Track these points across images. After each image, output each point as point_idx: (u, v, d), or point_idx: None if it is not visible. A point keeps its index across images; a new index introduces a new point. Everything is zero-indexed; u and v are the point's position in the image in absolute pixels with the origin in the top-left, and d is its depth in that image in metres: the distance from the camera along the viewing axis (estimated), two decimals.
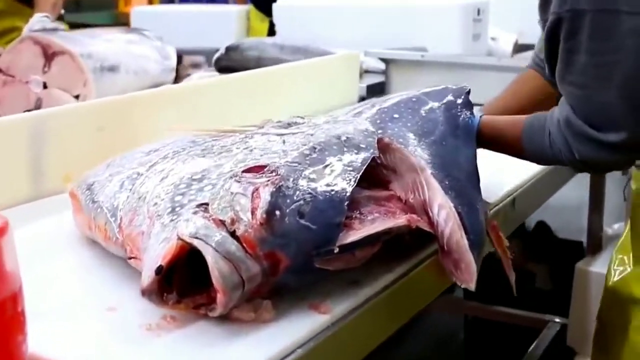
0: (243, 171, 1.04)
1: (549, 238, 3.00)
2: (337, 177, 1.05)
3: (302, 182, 1.02)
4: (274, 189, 0.99)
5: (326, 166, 1.07)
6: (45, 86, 2.12)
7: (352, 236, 1.01)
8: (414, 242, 1.15)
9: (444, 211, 1.09)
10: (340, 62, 2.50)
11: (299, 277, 1.00)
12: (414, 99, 1.37)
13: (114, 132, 1.65)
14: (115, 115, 1.67)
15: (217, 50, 4.01)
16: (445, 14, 2.99)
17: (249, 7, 4.62)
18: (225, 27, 4.67)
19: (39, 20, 2.49)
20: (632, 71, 1.10)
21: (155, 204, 1.06)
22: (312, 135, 1.16)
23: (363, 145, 1.14)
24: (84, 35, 2.29)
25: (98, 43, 2.24)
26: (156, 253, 0.96)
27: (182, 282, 0.97)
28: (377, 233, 1.04)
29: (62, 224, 1.32)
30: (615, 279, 1.54)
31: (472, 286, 1.06)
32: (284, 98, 2.25)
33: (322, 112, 2.35)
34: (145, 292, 0.93)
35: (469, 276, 1.06)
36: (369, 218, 1.07)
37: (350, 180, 1.05)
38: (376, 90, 2.71)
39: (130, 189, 1.14)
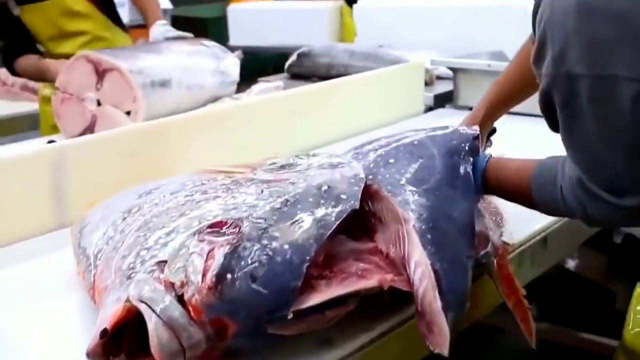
0: (207, 227, 1.01)
1: (638, 254, 2.82)
2: (302, 236, 1.00)
3: (263, 242, 0.98)
4: (229, 250, 0.96)
5: (294, 222, 1.02)
6: (99, 103, 2.16)
7: (311, 301, 0.96)
8: (395, 300, 1.08)
9: (420, 268, 1.03)
10: (404, 73, 2.43)
11: (251, 341, 0.96)
12: (415, 143, 1.31)
13: (142, 158, 1.66)
14: (144, 142, 1.67)
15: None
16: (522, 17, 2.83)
17: (341, 3, 4.58)
18: (320, 24, 4.68)
19: (164, 28, 2.58)
20: (635, 137, 1.00)
21: (123, 256, 1.05)
22: (293, 184, 1.11)
23: (344, 197, 1.08)
24: (140, 49, 2.31)
25: (151, 57, 2.25)
26: (106, 314, 0.95)
27: (133, 342, 0.95)
28: (345, 295, 0.99)
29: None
30: None
31: (445, 352, 0.99)
32: (345, 112, 2.21)
33: (386, 124, 2.31)
34: (90, 355, 0.93)
35: (441, 340, 0.99)
36: (339, 277, 1.02)
37: (317, 239, 1.00)
38: (444, 99, 2.62)
39: (111, 238, 1.14)
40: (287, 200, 1.06)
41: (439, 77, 2.76)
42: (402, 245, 1.08)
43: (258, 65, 6.31)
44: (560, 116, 1.08)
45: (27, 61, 2.71)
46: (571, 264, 2.91)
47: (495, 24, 2.93)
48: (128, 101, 2.13)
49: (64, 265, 1.29)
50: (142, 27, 2.82)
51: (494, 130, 1.58)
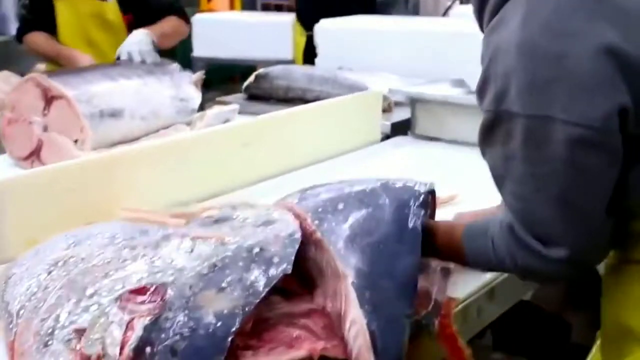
0: (129, 292, 0.97)
1: (594, 284, 2.81)
2: (229, 305, 0.96)
3: (186, 312, 0.94)
4: (149, 322, 0.92)
5: (221, 290, 0.98)
6: (45, 128, 2.10)
7: None
8: None
9: (354, 328, 1.02)
10: (362, 101, 2.39)
11: None
12: (367, 190, 1.26)
13: (86, 193, 1.61)
14: (88, 176, 1.62)
15: (270, 62, 4.00)
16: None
17: (294, 18, 4.57)
18: (284, 36, 4.66)
19: (138, 38, 2.56)
20: (568, 185, 0.99)
21: (42, 319, 1.01)
22: (223, 244, 1.07)
23: (276, 260, 1.05)
24: (96, 73, 2.24)
25: (105, 85, 2.18)
26: None
27: None
28: None
29: None
30: None
31: None
32: (300, 142, 2.17)
33: (343, 153, 2.28)
34: None
35: None
36: (267, 347, 0.99)
37: (244, 307, 0.96)
38: (402, 127, 2.59)
39: (34, 294, 1.09)
40: (215, 265, 1.02)
41: (398, 103, 2.73)
42: (339, 301, 1.07)
43: (222, 74, 6.27)
44: (494, 157, 1.06)
45: (41, 38, 2.79)
46: (527, 293, 2.90)
47: (457, 51, 2.90)
48: (75, 130, 2.07)
49: None
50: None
51: None
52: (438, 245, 1.20)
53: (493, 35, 1.03)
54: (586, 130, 0.93)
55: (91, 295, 1.01)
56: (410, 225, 1.19)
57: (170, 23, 2.88)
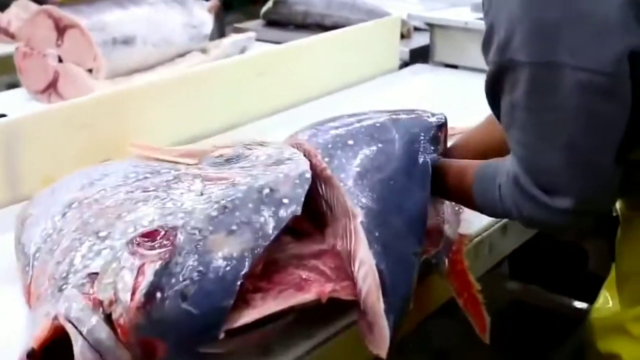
0: (140, 236, 0.98)
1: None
2: (238, 248, 0.97)
3: (196, 256, 0.95)
4: (160, 267, 0.93)
5: (230, 233, 0.99)
6: (60, 60, 2.10)
7: (244, 319, 0.94)
8: (337, 305, 1.06)
9: (363, 268, 1.02)
10: (379, 28, 2.35)
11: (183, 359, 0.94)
12: (377, 125, 1.25)
13: (99, 129, 1.61)
14: (101, 112, 1.62)
15: None
16: None
17: None
18: None
19: None
20: (576, 133, 0.95)
21: (57, 262, 1.02)
22: (234, 185, 1.08)
23: (286, 201, 1.05)
24: (106, 2, 2.21)
25: (116, 12, 2.16)
26: (35, 330, 0.92)
27: (62, 356, 0.93)
28: (280, 311, 0.97)
29: None
30: None
31: (383, 354, 0.98)
32: (317, 72, 2.15)
33: (360, 81, 2.26)
34: None
35: (381, 342, 0.98)
36: (276, 290, 1.00)
37: (253, 250, 0.97)
38: (421, 53, 2.56)
39: (49, 236, 1.11)
40: (226, 207, 1.02)
41: (417, 29, 2.69)
42: (348, 240, 1.07)
43: None
44: (503, 105, 1.02)
45: None
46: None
47: None
48: (89, 59, 2.06)
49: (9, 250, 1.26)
50: None
51: None
52: (448, 186, 1.18)
53: None
54: (596, 75, 0.90)
55: (104, 239, 1.02)
56: (420, 160, 1.18)
57: None
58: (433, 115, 1.30)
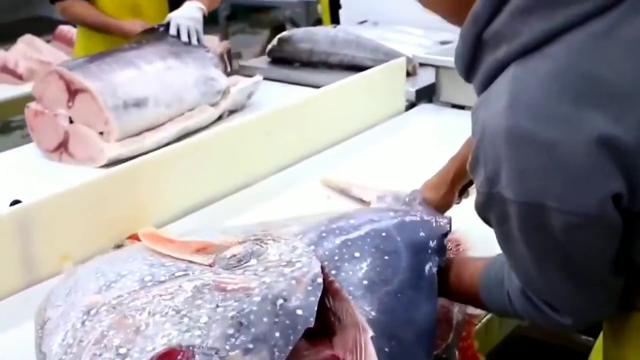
0: (159, 357, 1.01)
1: None
2: None
3: None
4: None
5: (247, 351, 1.01)
6: (71, 121, 2.13)
7: None
8: None
9: None
10: (385, 73, 2.37)
11: None
12: (383, 234, 1.28)
13: (113, 204, 1.64)
14: (113, 188, 1.65)
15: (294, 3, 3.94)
16: None
17: None
18: None
19: (188, 12, 2.53)
20: (570, 263, 0.99)
21: None
22: (248, 296, 1.10)
23: (300, 312, 1.07)
24: (118, 61, 2.23)
25: (127, 74, 2.18)
26: None
27: None
28: None
29: None
30: None
31: None
32: (324, 124, 2.17)
33: (367, 127, 2.28)
34: None
35: None
36: None
37: None
38: (426, 95, 2.57)
39: (70, 346, 1.13)
40: (241, 323, 1.05)
41: (422, 64, 2.70)
42: (359, 355, 1.08)
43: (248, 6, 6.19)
44: (496, 232, 1.05)
45: (83, 8, 2.71)
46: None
47: None
48: (100, 122, 2.09)
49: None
50: None
51: (470, 182, 1.55)
52: (452, 289, 1.22)
53: (481, 110, 0.99)
54: (582, 217, 0.92)
55: (124, 356, 1.05)
56: (427, 272, 1.22)
57: None
58: (439, 220, 1.32)
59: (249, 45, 6.74)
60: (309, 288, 1.12)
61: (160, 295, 1.17)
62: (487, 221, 1.06)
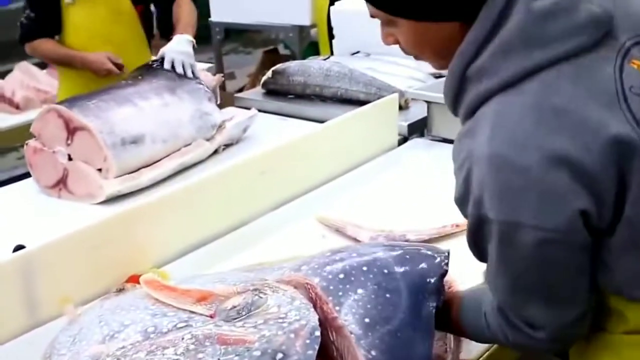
0: None
1: None
2: None
3: None
4: None
5: None
6: (70, 158, 2.16)
7: None
8: None
9: None
10: (377, 110, 2.41)
11: None
12: (385, 272, 1.33)
13: (113, 247, 1.68)
14: (111, 231, 1.68)
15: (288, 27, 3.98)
16: None
17: None
18: (299, 1, 4.58)
19: (178, 46, 2.57)
20: (541, 277, 1.10)
21: None
22: (248, 350, 1.14)
23: None
24: (116, 98, 2.26)
25: (124, 111, 2.22)
26: None
27: None
28: None
29: None
30: None
31: None
32: (319, 161, 2.21)
33: (361, 163, 2.32)
34: None
35: None
36: None
37: None
38: (418, 128, 2.62)
39: None
40: None
41: (415, 98, 2.75)
42: None
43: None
44: (483, 252, 1.15)
45: (49, 45, 2.74)
46: None
47: None
48: (99, 159, 2.12)
49: None
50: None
51: None
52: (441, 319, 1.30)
53: (465, 140, 1.11)
54: (553, 233, 1.04)
55: None
56: (425, 311, 1.26)
57: (188, 11, 2.82)
58: (438, 255, 1.37)
59: (242, 65, 6.80)
60: (307, 341, 1.16)
61: (164, 348, 1.20)
62: (477, 251, 1.16)
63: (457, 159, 1.13)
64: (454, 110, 1.21)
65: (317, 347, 1.15)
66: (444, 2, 1.13)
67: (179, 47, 2.57)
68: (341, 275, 1.33)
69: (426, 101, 2.53)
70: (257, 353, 1.14)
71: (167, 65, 2.53)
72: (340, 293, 1.29)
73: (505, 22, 1.09)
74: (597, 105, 1.05)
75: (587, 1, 1.10)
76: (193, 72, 2.56)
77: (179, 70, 2.52)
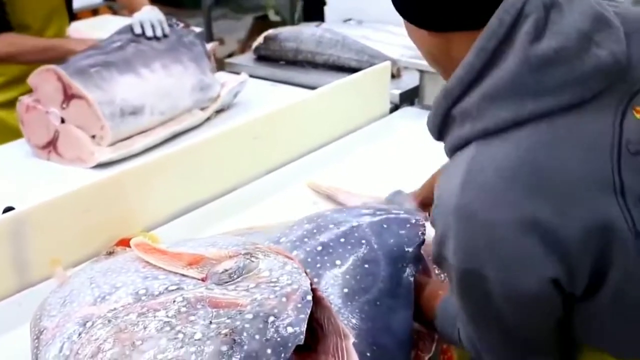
0: None
1: None
2: None
3: None
4: None
5: None
6: (63, 121, 2.14)
7: None
8: None
9: None
10: (369, 78, 2.40)
11: None
12: (363, 242, 1.35)
13: (103, 211, 1.67)
14: (102, 195, 1.68)
15: None
16: None
17: None
18: None
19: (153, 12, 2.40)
20: (507, 328, 1.06)
21: None
22: (240, 313, 1.15)
23: (290, 329, 1.12)
24: (119, 65, 2.20)
25: (127, 79, 2.18)
26: None
27: None
28: None
29: None
30: None
31: None
32: (311, 127, 2.21)
33: (352, 130, 2.32)
34: None
35: None
36: None
37: None
38: (410, 97, 2.62)
39: (66, 358, 1.17)
40: (234, 340, 1.10)
41: (407, 67, 2.75)
42: (341, 359, 1.14)
43: None
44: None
45: (15, 37, 2.43)
46: None
47: None
48: (95, 127, 2.10)
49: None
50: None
51: None
52: (422, 308, 1.29)
53: (442, 179, 1.06)
54: (520, 295, 0.98)
55: None
56: (404, 280, 1.28)
57: None
58: (416, 222, 1.38)
59: (232, 31, 6.76)
60: (299, 305, 1.16)
61: (155, 310, 1.21)
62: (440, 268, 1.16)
63: (435, 188, 1.09)
64: (439, 140, 1.13)
65: (309, 310, 1.16)
66: (440, 13, 1.06)
67: (147, 12, 2.43)
68: (319, 248, 1.35)
69: (419, 70, 2.53)
70: (249, 316, 1.14)
71: (137, 30, 2.35)
72: (319, 265, 1.31)
73: (498, 62, 1.00)
74: (584, 170, 0.97)
75: (598, 45, 0.99)
76: (163, 31, 2.40)
77: (149, 33, 2.35)
